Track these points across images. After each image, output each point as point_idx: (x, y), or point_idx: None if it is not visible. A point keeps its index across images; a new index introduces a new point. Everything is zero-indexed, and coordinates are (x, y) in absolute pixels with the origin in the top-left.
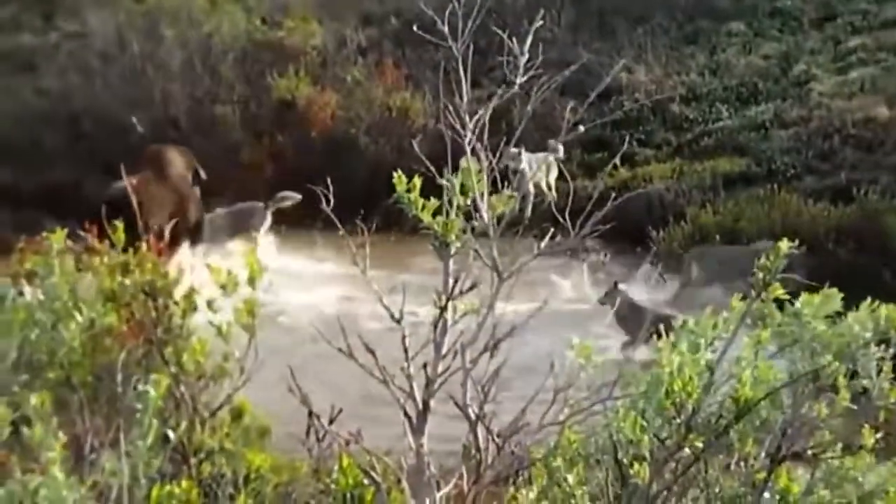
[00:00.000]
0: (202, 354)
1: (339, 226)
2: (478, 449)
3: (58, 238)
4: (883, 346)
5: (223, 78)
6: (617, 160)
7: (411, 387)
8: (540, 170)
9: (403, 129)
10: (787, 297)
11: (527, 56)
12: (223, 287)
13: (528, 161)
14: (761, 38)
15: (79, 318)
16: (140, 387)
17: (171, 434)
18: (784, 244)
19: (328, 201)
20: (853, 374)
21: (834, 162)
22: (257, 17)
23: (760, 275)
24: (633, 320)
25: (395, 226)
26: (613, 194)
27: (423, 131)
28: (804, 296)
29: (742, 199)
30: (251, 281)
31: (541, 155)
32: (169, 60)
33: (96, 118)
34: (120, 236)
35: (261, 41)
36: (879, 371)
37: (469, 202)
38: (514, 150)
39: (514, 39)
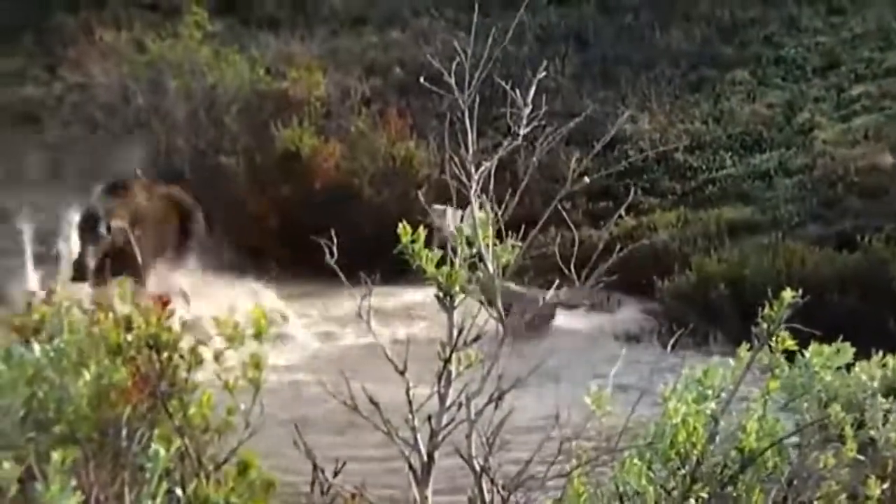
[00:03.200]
0: (207, 408)
1: (344, 279)
2: (483, 501)
3: (66, 295)
4: (891, 398)
5: (227, 129)
6: (622, 210)
7: (416, 438)
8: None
9: (408, 180)
10: (796, 347)
11: (530, 107)
12: (230, 340)
13: (453, 217)
14: (765, 87)
15: (87, 375)
16: (145, 441)
17: (178, 491)
18: (788, 293)
19: (332, 253)
20: (860, 425)
21: (838, 210)
22: (261, 68)
23: (764, 325)
24: None
25: (401, 276)
26: (619, 244)
27: (427, 181)
28: (814, 346)
29: (747, 247)
30: (257, 335)
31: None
32: (173, 112)
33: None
34: (125, 291)
35: (265, 92)
36: (886, 421)
37: (474, 253)
38: (439, 207)
39: (518, 90)
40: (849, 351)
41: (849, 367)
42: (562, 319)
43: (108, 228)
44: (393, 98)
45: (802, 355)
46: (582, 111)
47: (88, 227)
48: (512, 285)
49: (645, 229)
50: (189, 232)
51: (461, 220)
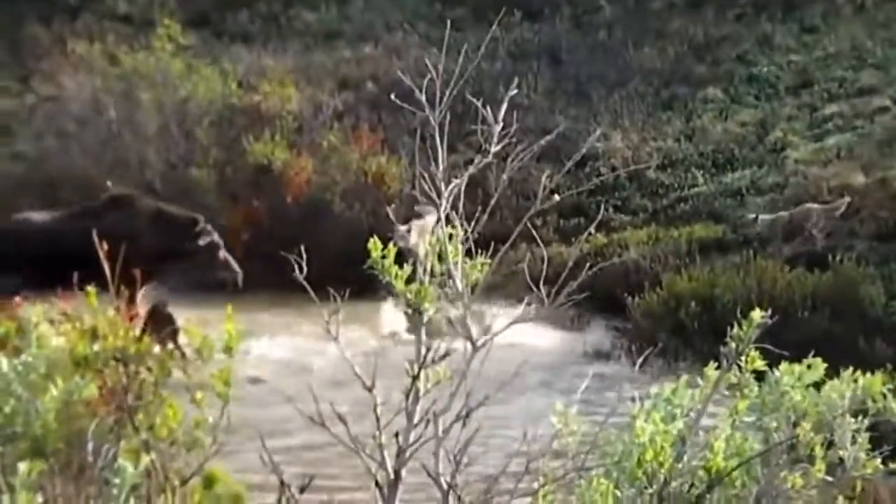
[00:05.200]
0: (174, 421)
1: (312, 294)
2: None
3: (37, 311)
4: (860, 417)
5: (199, 142)
6: (592, 228)
7: (382, 456)
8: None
9: (379, 195)
10: (765, 367)
11: (501, 124)
12: (199, 352)
13: (419, 233)
14: (738, 105)
15: (54, 391)
16: (112, 456)
17: None
18: (757, 313)
19: (301, 269)
20: (829, 444)
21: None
22: (234, 82)
23: (733, 345)
24: None
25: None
26: (590, 261)
27: (399, 197)
28: (785, 364)
29: (717, 265)
30: (227, 349)
31: (420, 222)
32: (145, 124)
33: (72, 182)
34: (93, 301)
35: (237, 105)
36: (854, 441)
37: (443, 269)
38: (402, 228)
39: (491, 106)
40: (820, 367)
41: (818, 386)
42: (530, 337)
43: None
44: (365, 113)
45: (773, 375)
46: (554, 128)
47: None
48: None
49: (616, 247)
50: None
51: (424, 232)
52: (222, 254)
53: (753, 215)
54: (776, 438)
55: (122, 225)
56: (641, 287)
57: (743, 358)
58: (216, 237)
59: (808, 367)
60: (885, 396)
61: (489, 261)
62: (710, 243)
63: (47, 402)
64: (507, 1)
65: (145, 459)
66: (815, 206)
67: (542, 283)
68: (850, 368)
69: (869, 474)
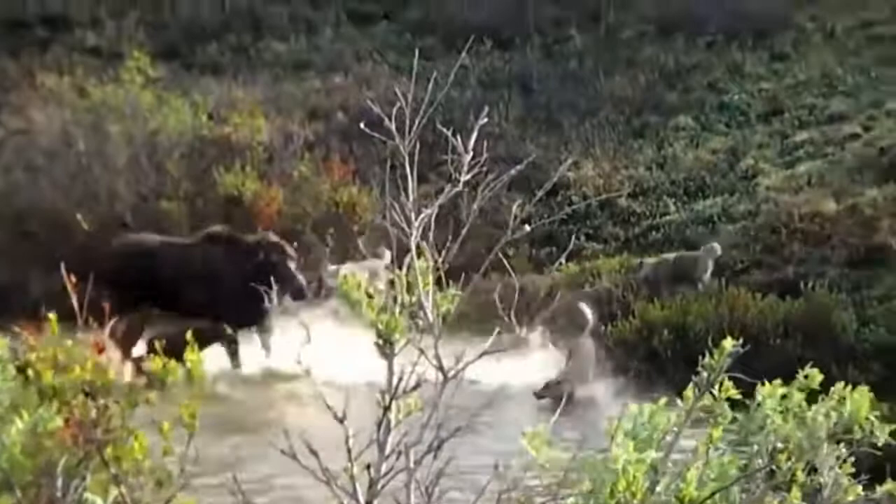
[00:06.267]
0: (142, 453)
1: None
2: None
3: (1, 345)
4: (841, 444)
5: (169, 174)
6: (563, 257)
7: (354, 488)
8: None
9: (350, 225)
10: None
11: (471, 154)
12: (163, 383)
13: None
14: (709, 133)
15: (19, 424)
16: (81, 491)
17: None
18: (728, 342)
19: (270, 299)
20: (810, 471)
21: (782, 256)
22: (204, 113)
23: (704, 374)
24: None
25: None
26: (561, 290)
27: (370, 227)
28: (766, 387)
29: (690, 293)
30: (191, 379)
31: (367, 263)
32: (115, 157)
33: (41, 216)
34: (55, 328)
35: (207, 137)
36: (836, 467)
37: (414, 300)
38: (332, 267)
39: (460, 135)
40: (816, 378)
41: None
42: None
43: None
44: (336, 143)
45: (745, 404)
46: (525, 157)
47: None
48: None
49: (588, 275)
50: None
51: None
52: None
53: (639, 261)
54: (756, 464)
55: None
56: (614, 315)
57: (716, 386)
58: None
59: (806, 376)
60: (870, 420)
61: (459, 292)
62: None
63: (13, 434)
64: (477, 30)
65: (114, 493)
66: (700, 252)
67: (512, 312)
68: (835, 388)
69: (849, 501)
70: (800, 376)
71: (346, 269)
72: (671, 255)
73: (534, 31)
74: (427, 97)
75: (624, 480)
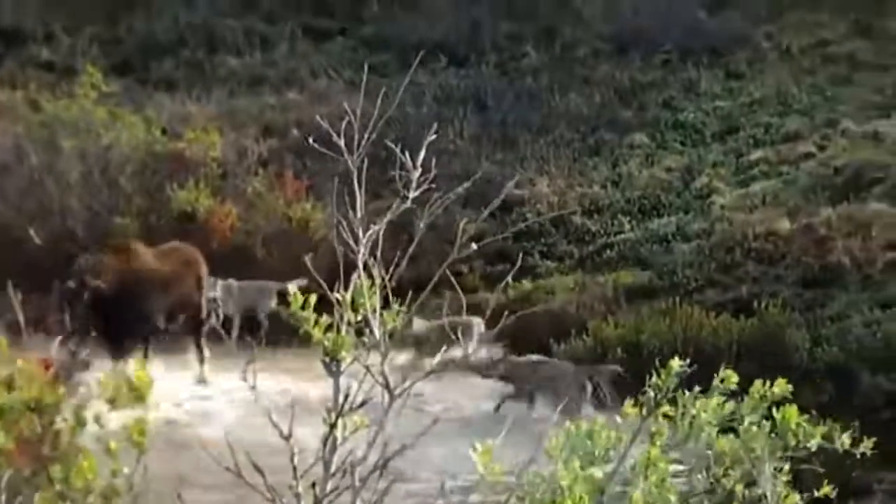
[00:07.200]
0: (91, 472)
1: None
2: None
3: None
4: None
5: (122, 190)
6: (509, 277)
7: None
8: (245, 297)
9: (303, 241)
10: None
11: (419, 170)
12: (111, 402)
13: (225, 289)
14: (664, 151)
15: None
16: None
17: None
18: (676, 362)
19: (217, 317)
20: (750, 483)
21: (736, 275)
22: (157, 128)
23: (652, 394)
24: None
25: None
26: (516, 308)
27: (323, 243)
28: (700, 400)
29: (644, 311)
30: (139, 397)
31: (253, 283)
32: (67, 172)
33: None
34: (4, 350)
35: (160, 152)
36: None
37: (360, 318)
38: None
39: (412, 151)
40: (732, 377)
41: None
42: (449, 383)
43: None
44: (290, 159)
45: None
46: (480, 173)
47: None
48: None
49: (542, 293)
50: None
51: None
52: None
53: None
54: (696, 479)
55: None
56: (568, 333)
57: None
58: None
59: (722, 380)
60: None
61: (404, 308)
62: (637, 290)
63: None
64: (432, 47)
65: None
66: (477, 318)
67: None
68: (753, 387)
69: None
70: (716, 380)
71: (223, 284)
72: (445, 321)
73: (489, 49)
74: (377, 113)
75: (570, 501)
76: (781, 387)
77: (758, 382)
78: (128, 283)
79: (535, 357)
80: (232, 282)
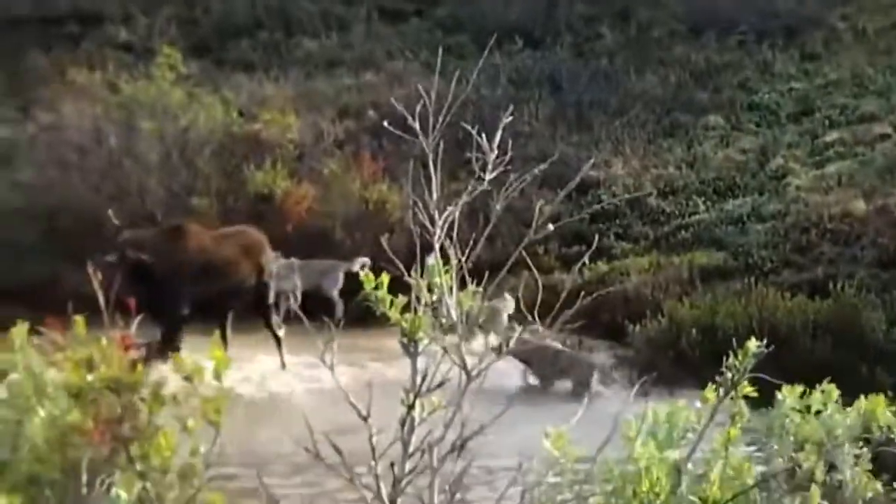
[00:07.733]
0: (169, 450)
1: (306, 322)
2: None
3: (20, 333)
4: (861, 444)
5: (200, 171)
6: (585, 258)
7: (378, 486)
8: (308, 276)
9: (380, 223)
10: (756, 394)
11: (495, 152)
12: (188, 379)
13: (287, 268)
14: (739, 132)
15: (41, 413)
16: (107, 486)
17: None
18: (753, 343)
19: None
20: (830, 468)
21: (811, 256)
22: (234, 110)
23: (729, 374)
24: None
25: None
26: (592, 289)
27: (399, 224)
28: (787, 388)
29: (719, 292)
30: (217, 375)
31: (316, 262)
32: (146, 153)
33: (73, 212)
34: (81, 330)
35: (238, 134)
36: (855, 464)
37: (436, 299)
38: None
39: (488, 133)
40: (833, 393)
41: (819, 412)
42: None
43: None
44: (366, 141)
45: (771, 404)
46: (557, 155)
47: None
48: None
49: (617, 274)
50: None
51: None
52: None
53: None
54: (778, 463)
55: None
56: (643, 315)
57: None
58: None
59: (822, 391)
60: (890, 427)
61: (480, 289)
62: (712, 270)
63: (35, 425)
64: (508, 28)
65: (133, 484)
66: (509, 300)
67: (535, 310)
68: (861, 397)
69: (870, 498)
70: (817, 390)
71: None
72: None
73: (564, 30)
74: (451, 95)
75: (647, 481)
76: (881, 406)
77: (859, 402)
78: (172, 261)
79: (555, 344)
80: (294, 260)
